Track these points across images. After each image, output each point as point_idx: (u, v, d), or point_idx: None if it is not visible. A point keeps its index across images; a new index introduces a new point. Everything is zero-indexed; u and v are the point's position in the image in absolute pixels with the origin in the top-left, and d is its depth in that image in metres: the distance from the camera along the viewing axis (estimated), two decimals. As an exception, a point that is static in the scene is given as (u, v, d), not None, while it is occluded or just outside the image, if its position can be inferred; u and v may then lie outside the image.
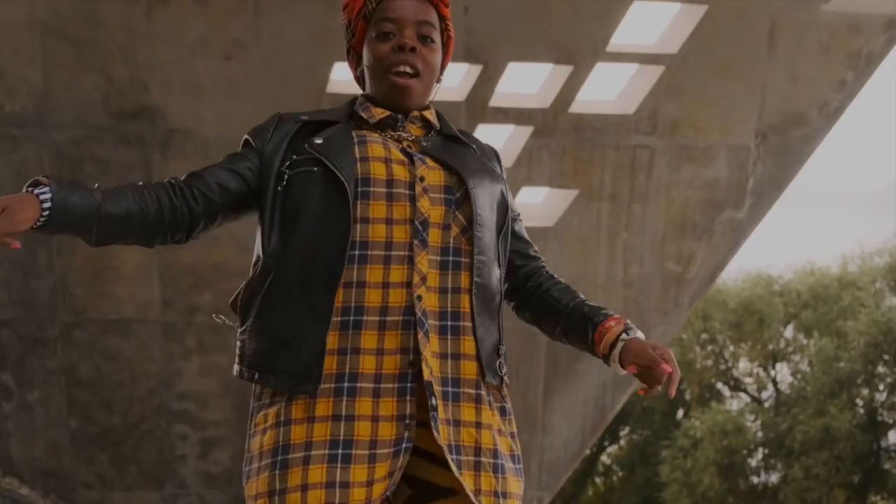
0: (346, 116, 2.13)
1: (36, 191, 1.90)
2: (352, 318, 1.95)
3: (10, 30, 7.12)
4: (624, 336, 2.12)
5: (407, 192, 2.01)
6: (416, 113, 2.14)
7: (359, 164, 2.01)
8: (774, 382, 26.52)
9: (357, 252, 1.96)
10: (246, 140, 2.12)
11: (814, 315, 24.96)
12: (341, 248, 1.95)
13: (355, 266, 1.96)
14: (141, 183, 2.03)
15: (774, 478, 25.39)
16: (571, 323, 2.18)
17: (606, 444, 28.20)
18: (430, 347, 1.94)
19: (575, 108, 7.52)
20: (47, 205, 1.89)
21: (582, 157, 7.62)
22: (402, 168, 2.03)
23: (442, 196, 2.02)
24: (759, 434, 25.54)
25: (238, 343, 2.03)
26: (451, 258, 2.00)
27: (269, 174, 2.05)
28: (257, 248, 2.07)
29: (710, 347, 26.83)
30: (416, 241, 1.98)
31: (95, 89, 7.30)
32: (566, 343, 2.22)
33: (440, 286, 1.98)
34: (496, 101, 7.38)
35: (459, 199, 2.03)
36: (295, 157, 2.04)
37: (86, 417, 8.40)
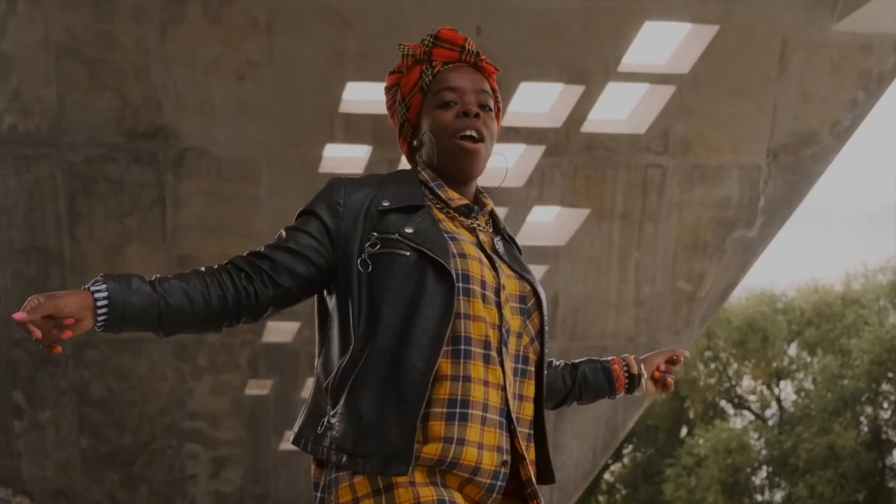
0: (421, 196, 2.09)
1: (91, 287, 1.86)
2: (458, 410, 1.96)
3: (25, 50, 7.16)
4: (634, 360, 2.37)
5: (494, 297, 2.04)
6: (487, 203, 2.17)
7: (458, 259, 2.01)
8: (778, 400, 26.49)
9: (462, 347, 1.97)
10: (312, 214, 2.04)
11: (817, 333, 24.97)
12: (439, 337, 1.95)
13: (461, 360, 1.97)
14: (203, 268, 1.99)
15: (779, 496, 25.34)
16: (583, 389, 2.35)
17: (610, 462, 28.15)
18: (529, 454, 2.03)
19: (587, 127, 7.55)
20: (103, 301, 1.85)
21: (594, 176, 7.64)
22: (490, 273, 2.06)
23: (518, 306, 2.07)
24: (764, 452, 25.50)
25: (325, 424, 1.97)
26: (520, 366, 2.06)
27: (349, 255, 2.00)
28: (337, 330, 2.02)
29: (713, 365, 26.81)
30: (504, 348, 2.02)
31: (109, 109, 7.33)
32: (582, 403, 2.38)
33: (515, 393, 2.05)
34: (508, 120, 7.42)
35: (529, 310, 2.09)
36: (378, 238, 2.00)
37: (97, 436, 8.40)
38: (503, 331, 2.01)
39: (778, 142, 7.63)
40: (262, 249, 2.03)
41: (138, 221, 7.72)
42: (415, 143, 2.16)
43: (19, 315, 1.79)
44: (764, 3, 7.21)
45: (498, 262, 2.08)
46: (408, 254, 1.98)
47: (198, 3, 7.03)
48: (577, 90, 7.37)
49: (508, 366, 2.02)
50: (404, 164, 7.68)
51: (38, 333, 1.80)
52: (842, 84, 7.44)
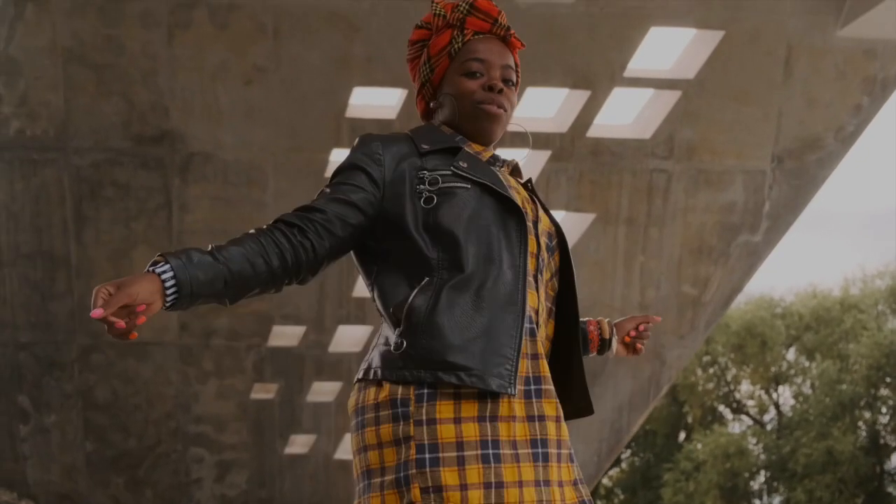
0: (454, 141, 2.17)
1: (156, 269, 1.87)
2: (527, 325, 2.04)
3: (32, 55, 7.18)
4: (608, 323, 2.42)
5: (533, 228, 2.12)
6: (510, 159, 2.25)
7: (512, 191, 2.10)
8: (776, 405, 26.53)
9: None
10: (355, 167, 2.09)
11: (816, 338, 25.00)
12: (524, 262, 2.04)
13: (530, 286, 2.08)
14: (254, 230, 2.01)
15: (777, 501, 25.36)
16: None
17: (608, 466, 28.19)
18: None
19: (592, 132, 7.58)
20: (171, 282, 1.86)
21: (599, 181, 7.68)
22: (530, 206, 2.15)
23: (546, 242, 2.15)
24: (762, 457, 25.52)
25: (404, 348, 1.98)
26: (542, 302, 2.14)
27: (400, 199, 2.06)
28: (401, 268, 2.06)
29: (712, 370, 26.84)
30: (539, 276, 2.10)
31: (116, 114, 7.35)
32: None
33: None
34: (514, 124, 7.44)
35: (553, 248, 2.17)
36: (432, 175, 2.06)
37: (102, 440, 8.41)
38: (540, 260, 2.09)
39: (783, 147, 7.67)
40: (311, 204, 2.05)
41: (144, 225, 7.73)
42: (432, 104, 2.22)
43: (97, 313, 1.79)
44: (769, 8, 7.25)
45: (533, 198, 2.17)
46: (468, 187, 2.05)
47: (205, 8, 7.06)
48: (583, 95, 7.40)
49: (542, 293, 2.10)
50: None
51: (121, 324, 1.81)
52: (846, 89, 7.48)
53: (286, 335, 8.27)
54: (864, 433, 23.89)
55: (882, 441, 24.11)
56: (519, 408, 1.98)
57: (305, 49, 7.19)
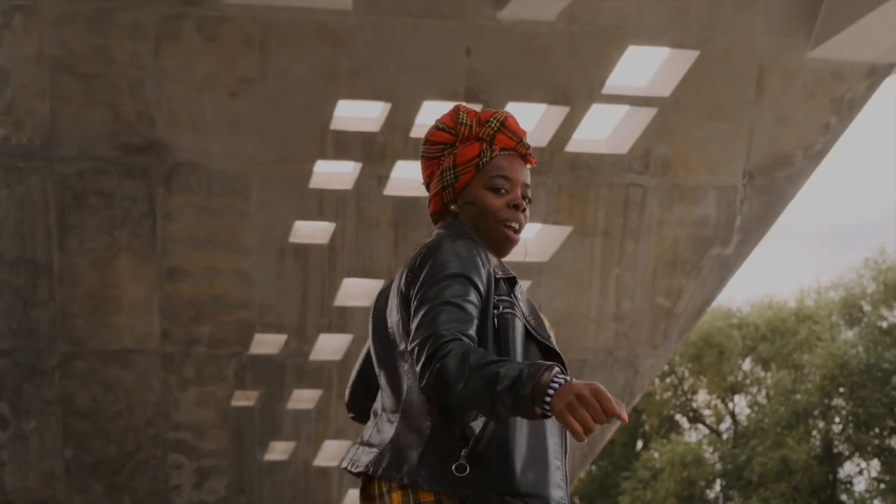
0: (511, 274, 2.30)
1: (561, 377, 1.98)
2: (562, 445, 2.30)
3: (19, 64, 7.23)
4: None
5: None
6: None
7: (551, 330, 2.31)
8: (732, 414, 26.91)
9: None
10: (472, 282, 2.17)
11: (771, 348, 25.42)
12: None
13: None
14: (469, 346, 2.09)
15: (733, 509, 25.73)
16: None
17: (566, 475, 28.37)
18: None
19: (571, 147, 7.77)
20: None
21: (577, 194, 7.87)
22: (550, 327, 2.36)
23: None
24: (718, 465, 25.88)
25: (462, 464, 2.10)
26: None
27: (484, 315, 2.18)
28: None
29: (669, 379, 27.19)
30: None
31: (103, 123, 7.42)
32: None
33: None
34: (495, 139, 7.59)
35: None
36: (499, 300, 2.19)
37: (81, 447, 8.45)
38: None
39: (754, 163, 7.91)
40: (467, 324, 2.12)
41: (128, 234, 7.80)
42: (452, 207, 2.34)
43: (624, 416, 1.93)
44: (742, 30, 7.49)
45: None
46: (518, 316, 2.20)
47: (193, 20, 7.16)
48: (562, 111, 7.59)
49: None
50: (393, 180, 7.86)
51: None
52: (815, 109, 7.74)
53: (267, 343, 8.37)
54: (817, 442, 24.32)
55: (835, 450, 24.56)
56: None
57: (292, 62, 7.31)
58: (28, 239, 7.80)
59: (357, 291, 8.24)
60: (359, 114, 7.87)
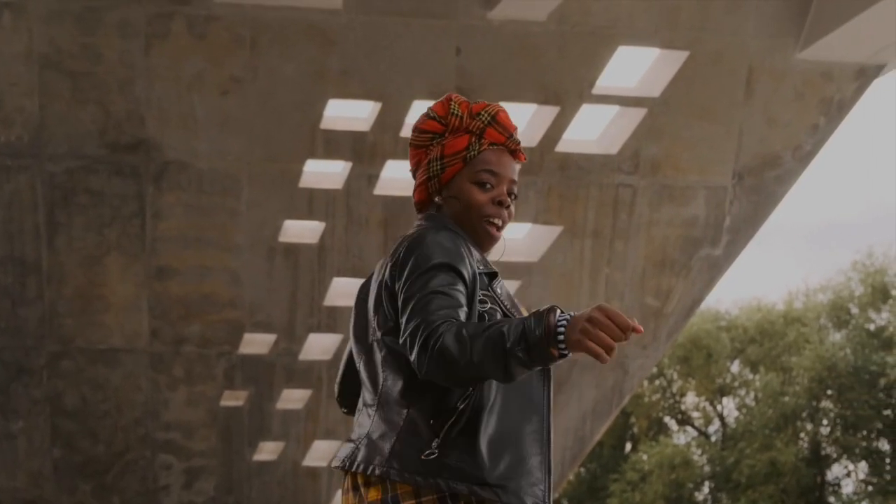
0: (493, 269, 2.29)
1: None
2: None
3: (8, 61, 7.21)
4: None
5: None
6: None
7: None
8: (721, 417, 26.97)
9: None
10: (458, 272, 2.15)
11: (760, 350, 25.48)
12: (548, 400, 2.22)
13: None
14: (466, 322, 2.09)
15: (721, 511, 25.78)
16: None
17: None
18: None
19: (561, 147, 7.78)
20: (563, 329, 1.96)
21: (567, 194, 7.88)
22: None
23: None
24: (706, 468, 25.93)
25: (435, 455, 2.09)
26: None
27: (471, 305, 2.16)
28: None
29: (658, 382, 27.23)
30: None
31: (92, 121, 7.40)
32: None
33: None
34: (485, 139, 7.59)
35: None
36: (483, 296, 2.19)
37: (69, 447, 8.42)
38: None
39: (743, 164, 7.93)
40: (456, 309, 2.09)
41: (118, 232, 7.78)
42: (437, 199, 2.30)
43: (639, 327, 1.95)
44: (732, 31, 7.52)
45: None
46: (497, 308, 2.19)
47: (183, 19, 7.15)
48: (552, 111, 7.60)
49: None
50: (383, 180, 7.86)
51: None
52: (804, 110, 7.76)
53: (257, 343, 8.35)
54: (805, 444, 24.39)
55: (823, 452, 24.63)
56: None
57: (282, 61, 7.30)
58: (16, 237, 7.78)
59: (347, 291, 8.23)
60: (349, 113, 7.88)
